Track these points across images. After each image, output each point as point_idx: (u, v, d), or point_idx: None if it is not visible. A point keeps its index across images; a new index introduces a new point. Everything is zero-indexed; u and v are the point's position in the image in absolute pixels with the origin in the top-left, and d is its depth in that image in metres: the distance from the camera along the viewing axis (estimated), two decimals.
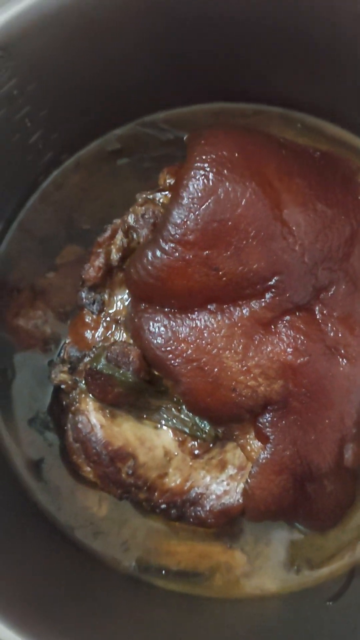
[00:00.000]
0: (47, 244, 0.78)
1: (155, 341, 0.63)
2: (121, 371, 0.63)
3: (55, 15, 0.64)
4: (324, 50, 0.74)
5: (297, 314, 0.62)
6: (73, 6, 0.65)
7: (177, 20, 0.71)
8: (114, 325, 0.68)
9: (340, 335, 0.63)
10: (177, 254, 0.60)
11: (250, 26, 0.73)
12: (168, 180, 0.66)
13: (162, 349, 0.63)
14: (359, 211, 0.63)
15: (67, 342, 0.70)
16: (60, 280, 0.78)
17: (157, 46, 0.74)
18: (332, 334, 0.63)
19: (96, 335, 0.68)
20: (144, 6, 0.69)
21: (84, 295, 0.69)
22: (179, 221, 0.59)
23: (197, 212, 0.59)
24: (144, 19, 0.70)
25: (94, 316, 0.68)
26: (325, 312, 0.63)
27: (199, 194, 0.59)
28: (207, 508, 0.66)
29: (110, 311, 0.69)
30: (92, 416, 0.66)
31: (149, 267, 0.61)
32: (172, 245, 0.60)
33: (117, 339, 0.67)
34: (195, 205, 0.59)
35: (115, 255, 0.67)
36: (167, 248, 0.60)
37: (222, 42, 0.75)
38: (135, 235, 0.66)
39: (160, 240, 0.60)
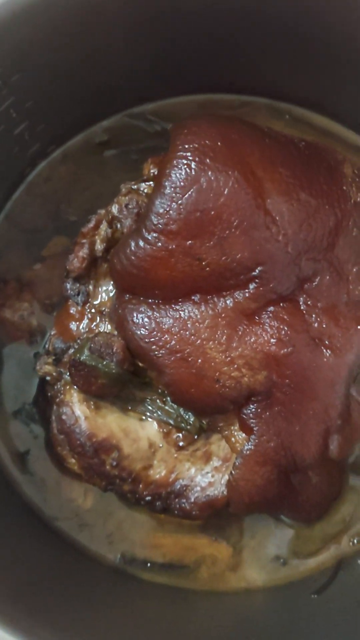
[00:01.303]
0: (33, 236, 0.78)
1: (138, 332, 0.62)
2: (104, 362, 0.63)
3: (38, 4, 0.63)
4: (311, 41, 0.74)
5: (281, 304, 0.62)
6: None
7: (164, 11, 0.71)
8: (98, 317, 0.68)
9: (324, 326, 0.62)
10: (159, 244, 0.60)
11: (237, 17, 0.72)
12: (152, 171, 0.65)
13: (146, 340, 0.62)
14: (343, 201, 0.62)
15: (52, 333, 0.70)
16: (47, 271, 0.77)
17: (144, 38, 0.73)
18: (316, 325, 0.62)
19: (81, 327, 0.68)
20: None
21: (68, 286, 0.69)
22: (161, 211, 0.59)
23: (179, 202, 0.59)
24: (130, 9, 0.69)
25: (79, 307, 0.68)
26: (309, 302, 0.62)
27: (182, 184, 0.58)
28: (192, 500, 0.66)
29: (95, 302, 0.68)
30: (76, 408, 0.66)
31: (132, 258, 0.61)
32: (154, 235, 0.60)
33: (101, 330, 0.67)
34: (178, 195, 0.59)
35: (99, 246, 0.66)
36: (150, 238, 0.60)
37: (209, 34, 0.75)
38: (119, 226, 0.66)
39: (143, 230, 0.60)
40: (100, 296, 0.68)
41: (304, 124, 0.83)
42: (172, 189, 0.59)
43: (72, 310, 0.69)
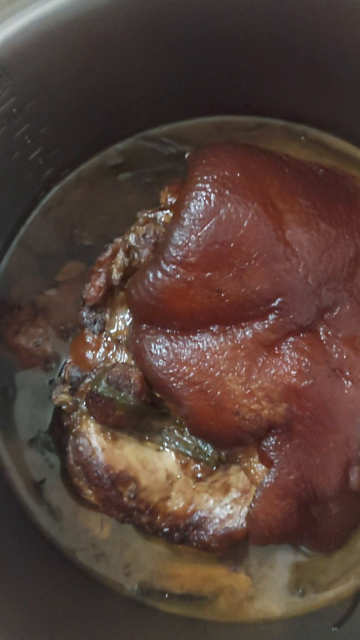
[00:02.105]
0: (48, 261, 0.78)
1: (156, 363, 0.62)
2: (122, 394, 0.62)
3: (54, 32, 0.63)
4: (326, 62, 0.73)
5: (301, 335, 0.61)
6: (72, 23, 0.64)
7: (178, 35, 0.70)
8: (115, 346, 0.67)
9: (345, 356, 0.61)
10: (178, 276, 0.59)
11: (252, 39, 0.72)
12: (169, 199, 0.65)
13: (164, 371, 0.62)
14: None
15: (68, 361, 0.69)
16: (62, 297, 0.77)
17: (159, 61, 0.73)
18: (336, 356, 0.61)
19: (97, 356, 0.67)
20: (145, 22, 0.68)
21: (84, 314, 0.68)
22: (180, 242, 0.58)
23: (198, 234, 0.58)
24: (145, 34, 0.69)
25: (95, 336, 0.67)
26: (329, 333, 0.62)
27: (201, 215, 0.58)
28: (211, 532, 0.65)
29: (112, 331, 0.68)
30: (93, 439, 0.65)
31: (150, 289, 0.60)
32: (173, 266, 0.59)
33: (118, 359, 0.66)
34: (197, 227, 0.58)
35: (116, 275, 0.66)
36: (168, 269, 0.59)
37: (224, 56, 0.74)
38: (136, 255, 0.65)
39: (162, 262, 0.59)
40: (117, 325, 0.68)
41: (320, 145, 0.82)
42: (191, 221, 0.58)
43: (89, 339, 0.68)
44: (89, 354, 0.68)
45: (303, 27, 0.69)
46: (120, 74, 0.72)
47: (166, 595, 0.70)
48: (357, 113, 0.78)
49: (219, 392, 0.61)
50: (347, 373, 0.61)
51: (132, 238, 0.65)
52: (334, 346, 0.62)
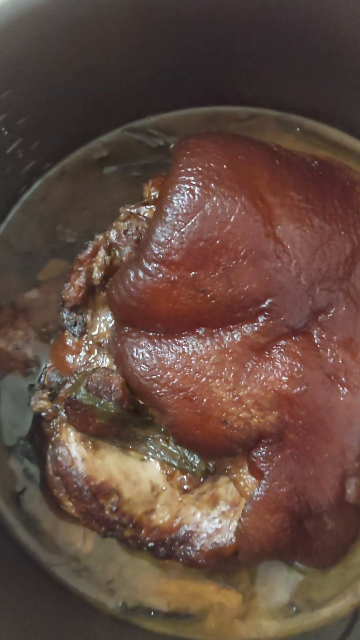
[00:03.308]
0: (29, 259, 0.74)
1: (139, 368, 0.58)
2: (102, 402, 0.58)
3: (28, 17, 0.59)
4: (322, 51, 0.70)
5: (294, 338, 0.57)
6: (48, 6, 0.60)
7: (166, 20, 0.67)
8: (96, 349, 0.63)
9: (340, 361, 0.58)
10: (160, 275, 0.55)
11: (243, 26, 0.68)
12: (153, 193, 0.61)
13: (147, 377, 0.58)
14: None
15: (48, 366, 0.65)
16: (43, 297, 0.73)
17: (145, 48, 0.69)
18: (331, 360, 0.57)
19: (77, 360, 0.63)
20: (130, 5, 0.64)
21: (65, 316, 0.64)
22: (162, 240, 0.54)
23: (181, 230, 0.54)
24: (130, 19, 0.65)
25: (76, 339, 0.64)
26: (324, 336, 0.58)
27: (184, 210, 0.54)
28: (198, 547, 0.61)
29: (93, 333, 0.64)
30: (72, 448, 0.62)
31: (131, 289, 0.56)
32: (155, 265, 0.55)
33: (99, 363, 0.63)
34: (180, 223, 0.54)
35: (97, 274, 0.62)
36: (150, 268, 0.55)
37: (213, 43, 0.70)
38: (118, 253, 0.61)
39: (143, 260, 0.55)
40: (98, 327, 0.64)
41: (315, 137, 0.78)
42: (174, 216, 0.54)
43: (69, 342, 0.64)
44: (69, 358, 0.64)
45: (297, 13, 0.66)
46: (102, 61, 0.69)
47: (152, 613, 0.66)
48: (354, 103, 0.75)
49: (205, 400, 0.57)
50: (343, 379, 0.57)
51: (113, 235, 0.61)
52: (329, 350, 0.58)
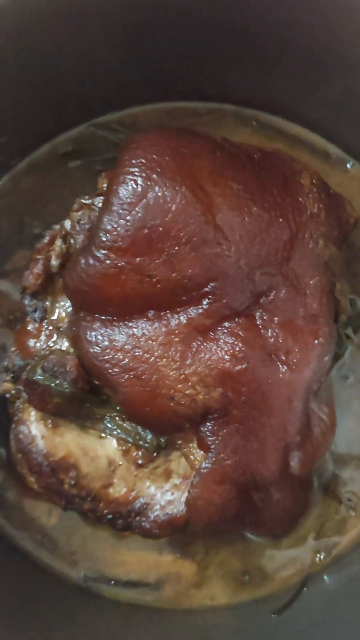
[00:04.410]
0: None
1: (92, 350, 0.62)
2: (57, 381, 0.62)
3: None
4: (277, 46, 0.72)
5: (237, 320, 0.61)
6: (11, 2, 0.62)
7: (128, 18, 0.69)
8: (55, 334, 0.67)
9: (281, 341, 0.61)
10: (108, 261, 0.59)
11: (202, 24, 0.71)
12: (105, 185, 0.64)
13: (100, 358, 0.61)
14: (298, 213, 0.61)
15: (12, 350, 0.69)
16: (11, 286, 0.76)
17: (108, 45, 0.72)
18: (272, 340, 0.61)
19: (38, 344, 0.67)
20: (92, 3, 0.66)
21: (26, 302, 0.68)
22: (109, 227, 0.58)
23: (127, 218, 0.57)
24: (92, 17, 0.68)
25: (36, 324, 0.67)
26: (265, 317, 0.61)
27: (129, 200, 0.57)
28: (152, 518, 0.65)
29: (53, 318, 0.67)
30: (33, 426, 0.65)
31: (82, 275, 0.60)
32: (103, 252, 0.58)
33: (59, 347, 0.66)
34: (125, 211, 0.57)
35: (54, 262, 0.65)
36: (99, 255, 0.59)
37: (174, 40, 0.73)
38: (72, 241, 0.65)
39: (93, 247, 0.59)
40: (57, 312, 0.67)
41: (272, 130, 0.81)
42: (120, 206, 0.58)
43: (30, 327, 0.68)
44: (31, 342, 0.67)
45: (251, 11, 0.69)
46: (66, 58, 0.71)
47: (112, 582, 0.70)
48: (309, 97, 0.78)
49: (154, 378, 0.60)
50: (283, 357, 0.61)
51: (68, 224, 0.64)
52: (270, 330, 0.61)
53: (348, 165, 0.78)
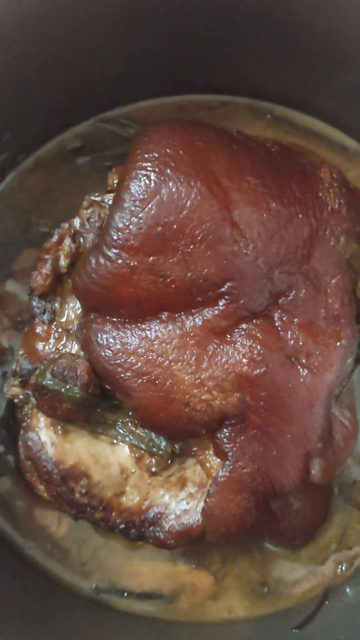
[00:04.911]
0: (3, 249, 0.75)
1: (103, 354, 0.59)
2: (67, 387, 0.59)
3: None
4: (290, 37, 0.70)
5: (254, 321, 0.58)
6: None
7: (137, 10, 0.67)
8: (65, 336, 0.64)
9: (301, 343, 0.58)
10: (120, 261, 0.56)
11: (212, 13, 0.69)
12: (115, 181, 0.61)
13: (111, 362, 0.59)
14: (319, 209, 0.58)
15: (20, 353, 0.67)
16: (18, 287, 0.74)
17: (115, 38, 0.70)
18: (292, 342, 0.58)
19: (47, 347, 0.64)
20: None
21: (34, 304, 0.65)
22: (121, 225, 0.55)
23: (139, 215, 0.55)
24: (100, 10, 0.66)
25: (45, 326, 0.65)
26: (285, 318, 0.58)
27: (141, 196, 0.55)
28: (166, 529, 0.62)
29: (62, 320, 0.65)
30: (42, 433, 0.63)
31: (93, 275, 0.57)
32: (115, 251, 0.56)
33: (68, 350, 0.64)
34: (138, 208, 0.55)
35: (63, 262, 0.63)
36: (110, 254, 0.56)
37: (184, 31, 0.71)
38: (82, 240, 0.62)
39: (103, 246, 0.56)
40: (67, 314, 0.65)
41: (286, 123, 0.78)
42: (132, 202, 0.55)
43: (39, 330, 0.65)
44: (40, 345, 0.65)
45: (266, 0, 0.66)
46: (72, 52, 0.69)
47: (125, 594, 0.67)
48: (325, 88, 0.75)
49: (168, 383, 0.58)
50: (303, 360, 0.58)
51: (77, 222, 0.62)
52: (290, 332, 0.58)
53: None
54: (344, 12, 0.66)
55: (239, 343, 0.58)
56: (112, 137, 0.77)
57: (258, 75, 0.76)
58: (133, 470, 0.63)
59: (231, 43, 0.72)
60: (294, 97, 0.77)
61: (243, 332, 0.58)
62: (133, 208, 0.55)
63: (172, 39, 0.71)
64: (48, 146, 0.78)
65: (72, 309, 0.65)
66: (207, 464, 0.61)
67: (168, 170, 0.54)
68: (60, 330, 0.65)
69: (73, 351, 0.64)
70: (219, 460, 0.60)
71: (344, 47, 0.70)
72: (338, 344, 0.58)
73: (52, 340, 0.65)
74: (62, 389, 0.60)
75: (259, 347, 0.57)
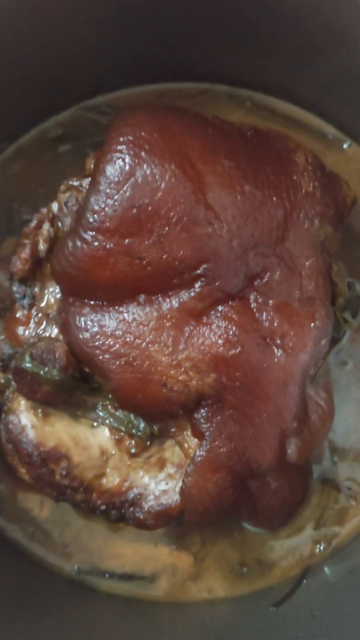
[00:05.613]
0: None
1: (81, 336, 0.60)
2: (46, 369, 0.60)
3: None
4: (269, 23, 0.70)
5: (230, 303, 0.59)
6: None
7: (117, 0, 0.67)
8: (45, 321, 0.65)
9: (276, 324, 0.59)
10: (96, 243, 0.57)
11: (193, 2, 0.69)
12: (93, 165, 0.62)
13: (89, 344, 0.59)
14: (293, 192, 0.59)
15: (1, 338, 0.67)
16: (0, 275, 0.74)
17: (95, 25, 0.70)
18: (267, 324, 0.59)
19: (27, 332, 0.65)
20: None
21: (14, 289, 0.66)
22: (96, 208, 0.56)
23: (114, 197, 0.55)
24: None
25: (25, 311, 0.65)
26: (260, 300, 0.59)
27: (116, 179, 0.55)
28: (146, 509, 0.63)
29: (42, 305, 0.65)
30: (23, 416, 0.63)
31: (70, 258, 0.58)
32: (91, 233, 0.57)
33: (48, 334, 0.64)
34: (113, 191, 0.55)
35: (42, 246, 0.64)
36: (86, 237, 0.57)
37: (164, 19, 0.71)
38: (60, 224, 0.63)
39: (80, 229, 0.57)
40: (46, 299, 0.65)
41: (266, 110, 0.79)
42: (107, 185, 0.56)
43: (19, 314, 0.66)
44: (20, 330, 0.66)
45: None
46: (54, 42, 0.70)
47: (107, 575, 0.68)
48: (304, 75, 0.76)
49: (145, 364, 0.58)
50: (278, 341, 0.59)
51: (55, 207, 0.62)
52: (265, 314, 0.59)
53: (344, 146, 0.77)
54: (322, 1, 0.67)
55: (214, 324, 0.58)
56: (93, 125, 0.78)
57: (237, 63, 0.77)
58: (113, 452, 0.64)
59: (210, 31, 0.73)
60: (273, 84, 0.78)
61: (219, 314, 0.58)
62: (108, 190, 0.56)
63: (152, 27, 0.72)
64: (30, 134, 0.78)
65: (52, 294, 0.65)
66: (185, 445, 0.62)
67: (143, 153, 0.55)
68: (40, 314, 0.65)
69: (53, 335, 0.64)
70: (196, 440, 0.61)
71: (321, 36, 0.70)
72: (312, 325, 0.59)
73: (32, 325, 0.65)
74: (41, 372, 0.60)
75: (234, 328, 0.58)
